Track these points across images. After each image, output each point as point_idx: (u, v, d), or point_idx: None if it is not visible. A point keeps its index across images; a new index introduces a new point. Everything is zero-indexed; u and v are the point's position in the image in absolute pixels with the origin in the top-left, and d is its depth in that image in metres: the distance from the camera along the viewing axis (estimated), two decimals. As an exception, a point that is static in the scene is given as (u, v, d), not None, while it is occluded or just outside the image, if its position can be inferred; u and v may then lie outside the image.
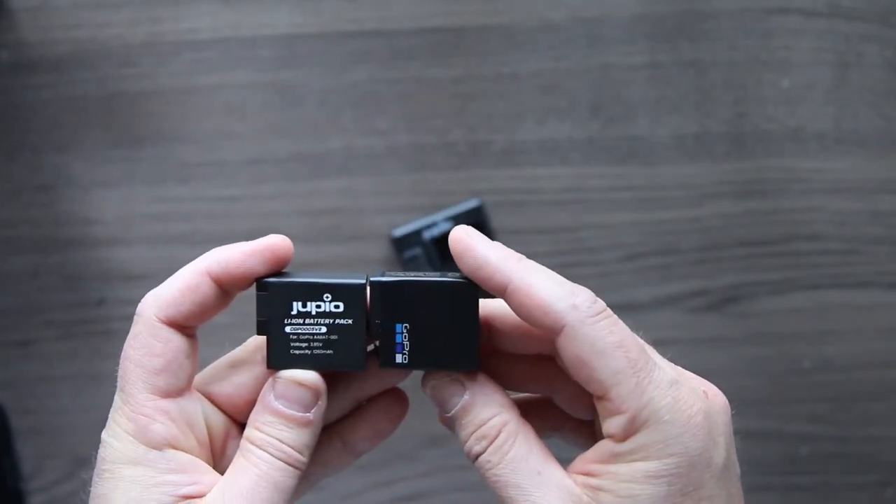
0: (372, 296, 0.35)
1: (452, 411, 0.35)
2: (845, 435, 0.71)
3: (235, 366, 0.37)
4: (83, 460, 0.70)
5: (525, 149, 0.70)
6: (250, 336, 0.69)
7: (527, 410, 0.37)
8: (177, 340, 0.35)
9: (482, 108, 0.70)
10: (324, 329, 0.35)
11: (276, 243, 0.36)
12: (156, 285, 0.72)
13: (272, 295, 0.36)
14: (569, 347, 0.33)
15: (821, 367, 0.71)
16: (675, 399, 0.33)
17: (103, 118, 0.70)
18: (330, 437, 0.38)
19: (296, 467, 0.34)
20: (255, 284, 0.36)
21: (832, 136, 0.70)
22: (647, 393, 0.33)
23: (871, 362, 0.71)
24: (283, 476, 0.34)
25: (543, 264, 0.76)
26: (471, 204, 0.69)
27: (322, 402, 0.35)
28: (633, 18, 0.70)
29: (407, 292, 0.35)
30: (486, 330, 0.37)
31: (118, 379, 0.35)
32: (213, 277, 0.36)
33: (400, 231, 0.68)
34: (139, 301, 0.72)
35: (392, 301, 0.35)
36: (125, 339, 0.72)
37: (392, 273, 0.36)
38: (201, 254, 0.73)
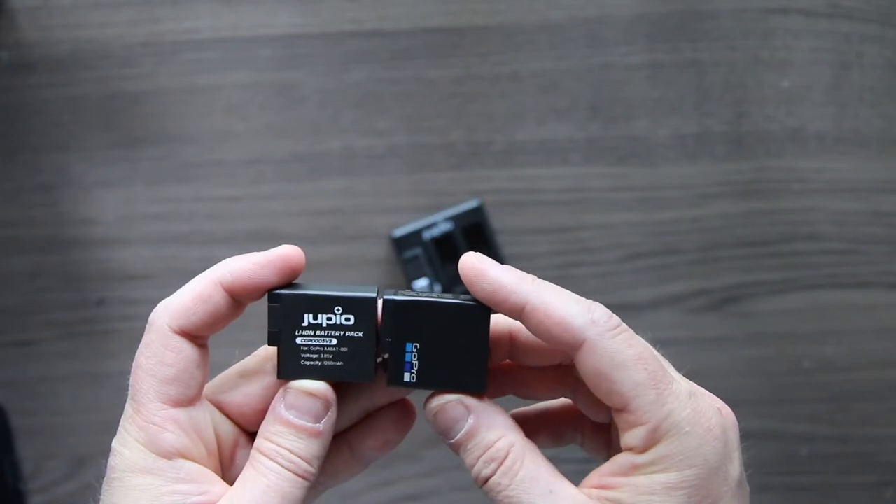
0: (384, 313, 0.36)
1: (457, 436, 0.35)
2: (845, 435, 0.71)
3: (245, 375, 0.37)
4: (83, 460, 0.70)
5: (525, 149, 0.70)
6: (251, 336, 0.69)
7: (545, 419, 0.38)
8: (188, 350, 0.35)
9: (482, 109, 0.70)
10: (334, 341, 0.36)
11: (288, 254, 0.36)
12: (156, 285, 0.72)
13: (284, 307, 0.36)
14: (589, 361, 0.33)
15: (821, 367, 0.71)
16: (694, 411, 0.33)
17: (103, 118, 0.70)
18: (338, 446, 0.38)
19: (305, 478, 0.34)
20: (266, 295, 0.36)
21: (832, 136, 0.70)
22: (668, 404, 0.33)
23: (871, 362, 0.71)
24: (293, 487, 0.34)
25: (543, 264, 0.77)
26: (471, 204, 0.69)
27: (332, 414, 0.35)
28: (633, 18, 0.70)
29: (419, 312, 0.35)
30: (505, 346, 0.37)
31: (129, 387, 0.35)
32: (225, 288, 0.36)
33: (400, 231, 0.68)
34: (139, 301, 0.72)
35: (404, 320, 0.35)
36: (125, 338, 0.73)
37: (404, 292, 0.36)
38: (201, 254, 0.74)
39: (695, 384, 0.35)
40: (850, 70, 0.70)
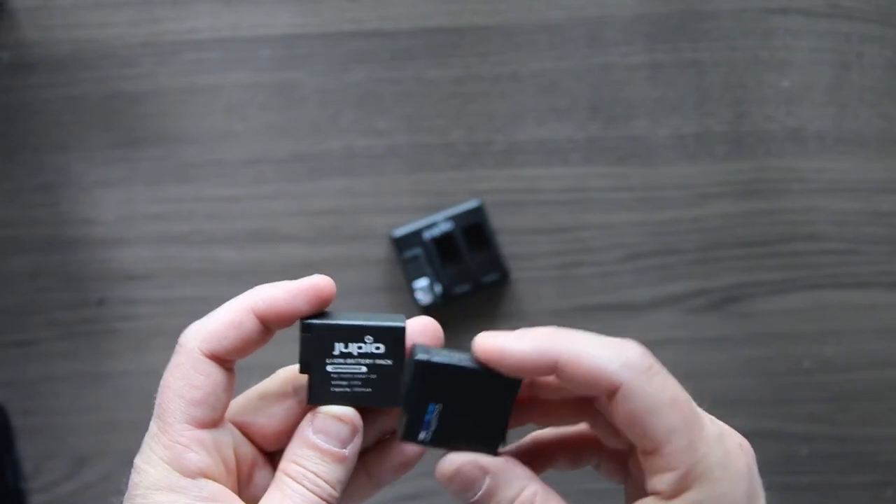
0: (414, 371, 0.36)
1: (477, 497, 0.35)
2: (845, 435, 0.71)
3: (266, 398, 0.38)
4: (84, 460, 0.70)
5: (525, 149, 0.70)
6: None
7: (563, 443, 0.38)
8: (217, 374, 0.36)
9: (482, 109, 0.70)
10: (364, 368, 0.36)
11: (320, 284, 0.37)
12: (156, 285, 0.72)
13: (316, 336, 0.36)
14: (624, 406, 0.33)
15: (821, 367, 0.71)
16: (725, 454, 0.33)
17: (104, 118, 0.70)
18: (356, 468, 0.38)
19: (328, 502, 0.35)
20: (298, 324, 0.37)
21: (832, 136, 0.70)
22: (700, 449, 0.33)
23: (871, 362, 0.71)
24: None
25: (543, 264, 0.77)
26: (471, 204, 0.69)
27: (358, 440, 0.36)
28: (633, 18, 0.70)
29: (449, 375, 0.36)
30: (526, 393, 0.37)
31: (156, 406, 0.36)
32: (257, 315, 0.36)
33: (400, 231, 0.68)
34: (140, 301, 0.72)
35: (432, 380, 0.36)
36: (125, 338, 0.73)
37: (435, 350, 0.36)
38: (201, 254, 0.74)
39: (718, 421, 0.35)
40: (850, 70, 0.70)
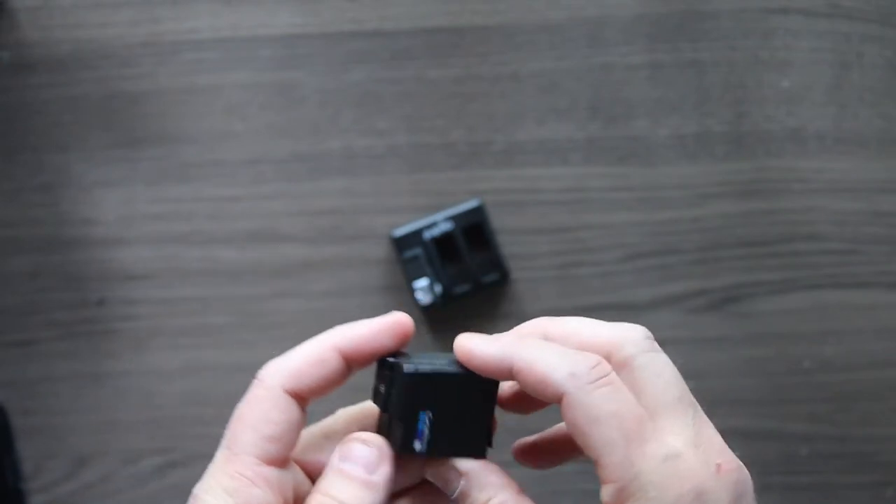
0: (403, 383, 0.36)
1: (454, 496, 0.36)
2: (845, 435, 0.71)
3: (329, 437, 0.38)
4: (84, 460, 0.70)
5: (525, 149, 0.70)
6: (249, 336, 0.69)
7: (547, 442, 0.39)
8: (295, 412, 0.36)
9: (482, 109, 0.70)
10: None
11: (403, 321, 0.38)
12: (156, 285, 0.72)
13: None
14: (567, 414, 0.34)
15: (821, 367, 0.71)
16: (665, 476, 0.33)
17: (104, 118, 0.70)
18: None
19: None
20: (378, 363, 0.37)
21: (832, 136, 0.70)
22: (636, 465, 0.33)
23: (872, 362, 0.71)
24: None
25: (543, 264, 0.77)
26: (471, 204, 0.69)
27: (386, 466, 0.36)
28: (633, 18, 0.70)
29: (436, 382, 0.36)
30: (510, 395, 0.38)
31: (225, 436, 0.36)
32: (341, 353, 0.37)
33: (400, 231, 0.68)
34: (140, 301, 0.72)
35: (421, 389, 0.36)
36: (125, 339, 0.73)
37: (418, 358, 0.37)
38: (202, 254, 0.74)
39: (709, 433, 0.35)
40: (851, 70, 0.70)
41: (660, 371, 0.35)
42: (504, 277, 0.69)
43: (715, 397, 0.70)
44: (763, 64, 0.70)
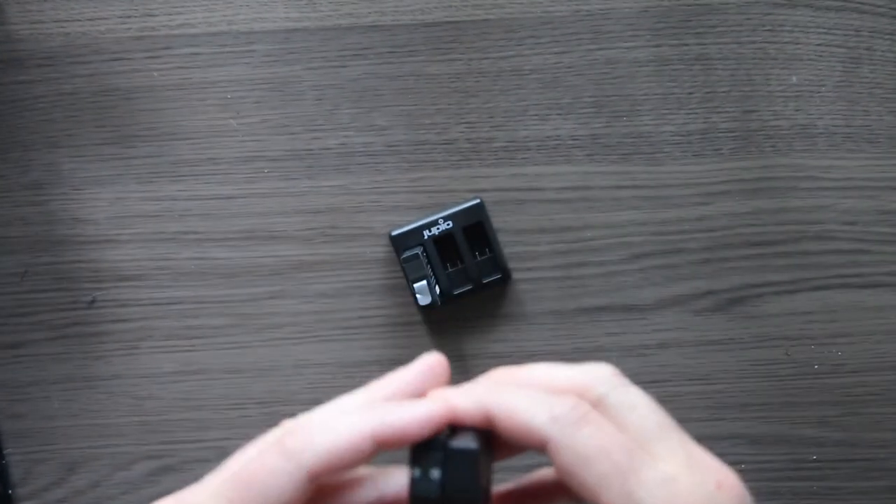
0: (472, 462, 0.35)
1: None
2: (855, 439, 0.70)
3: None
4: (74, 465, 0.69)
5: (527, 146, 0.69)
6: (244, 338, 0.68)
7: (539, 487, 0.38)
8: (307, 492, 0.35)
9: (483, 105, 0.69)
10: None
11: (453, 407, 0.36)
12: (149, 286, 0.71)
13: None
14: (556, 459, 0.34)
15: (830, 369, 0.70)
16: (665, 500, 0.33)
17: (95, 114, 0.69)
18: None
19: None
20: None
21: (842, 133, 0.69)
22: (635, 495, 0.33)
23: (882, 365, 0.70)
24: None
25: (546, 264, 0.76)
26: (471, 203, 0.68)
27: None
28: (637, 12, 0.69)
29: (440, 450, 0.36)
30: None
31: (219, 472, 0.35)
32: (377, 441, 0.35)
33: (399, 230, 0.68)
34: (132, 302, 0.71)
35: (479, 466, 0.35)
36: (117, 340, 0.71)
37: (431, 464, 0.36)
38: (195, 254, 0.73)
39: (699, 454, 0.35)
40: (860, 65, 0.69)
41: (635, 403, 0.35)
42: (505, 278, 0.68)
43: (721, 401, 0.69)
44: (771, 59, 0.69)
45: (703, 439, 0.36)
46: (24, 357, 0.69)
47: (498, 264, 0.68)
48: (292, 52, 0.69)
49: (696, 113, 0.69)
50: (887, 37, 0.69)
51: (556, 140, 0.69)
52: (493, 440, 0.36)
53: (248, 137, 0.69)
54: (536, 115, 0.69)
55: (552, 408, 0.34)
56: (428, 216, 0.68)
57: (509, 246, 0.69)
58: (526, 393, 0.35)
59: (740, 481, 0.34)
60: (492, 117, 0.69)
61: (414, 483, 0.36)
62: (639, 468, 0.33)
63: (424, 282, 0.65)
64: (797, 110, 0.69)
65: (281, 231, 0.69)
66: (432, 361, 0.37)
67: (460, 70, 0.69)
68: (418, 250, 0.66)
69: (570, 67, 0.69)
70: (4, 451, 0.69)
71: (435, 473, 0.35)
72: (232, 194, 0.69)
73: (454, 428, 0.36)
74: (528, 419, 0.34)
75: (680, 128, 0.69)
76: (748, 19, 0.69)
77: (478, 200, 0.68)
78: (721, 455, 0.36)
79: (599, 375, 0.36)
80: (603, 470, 0.33)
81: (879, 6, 0.69)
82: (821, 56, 0.69)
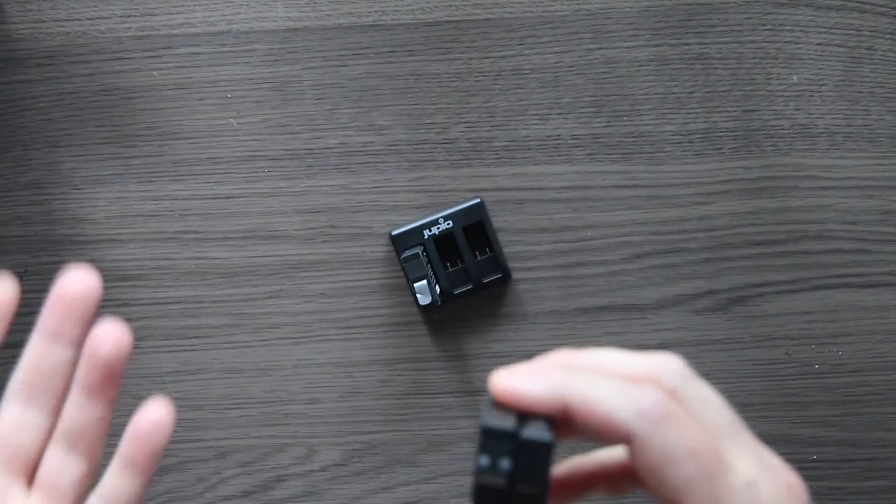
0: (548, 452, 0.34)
1: None
2: (855, 439, 0.70)
3: None
4: (74, 465, 0.69)
5: (527, 145, 0.69)
6: (244, 337, 0.67)
7: (603, 471, 0.37)
8: None
9: (483, 104, 0.69)
10: None
11: None
12: (149, 286, 0.71)
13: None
14: (640, 456, 0.32)
15: (831, 369, 0.70)
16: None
17: (95, 114, 0.69)
18: None
19: None
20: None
21: (842, 132, 0.69)
22: (722, 499, 0.32)
23: (882, 364, 0.70)
24: None
25: (546, 264, 0.76)
26: (471, 202, 0.68)
27: None
28: (638, 11, 0.69)
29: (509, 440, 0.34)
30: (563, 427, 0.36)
31: None
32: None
33: (399, 230, 0.67)
34: (132, 301, 0.71)
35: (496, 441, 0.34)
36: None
37: (490, 417, 0.35)
38: (195, 254, 0.73)
39: (766, 455, 0.34)
40: (861, 64, 0.69)
41: (706, 397, 0.34)
42: (505, 277, 0.68)
43: (722, 400, 0.69)
44: (771, 58, 0.69)
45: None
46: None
47: (498, 264, 0.68)
48: (292, 52, 0.69)
49: (697, 112, 0.69)
50: (888, 36, 0.69)
51: (557, 139, 0.69)
52: (555, 428, 0.35)
53: (248, 137, 0.69)
54: (537, 114, 0.69)
55: (638, 401, 0.32)
56: (428, 216, 0.68)
57: (509, 246, 0.69)
58: (606, 382, 0.33)
59: (801, 482, 0.34)
60: (492, 117, 0.69)
61: (480, 471, 0.34)
62: (724, 474, 0.32)
63: (424, 281, 0.65)
64: (798, 110, 0.69)
65: (281, 231, 0.69)
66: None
67: (460, 69, 0.69)
68: (418, 250, 0.66)
69: (570, 67, 0.69)
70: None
71: (504, 464, 0.34)
72: (232, 194, 0.69)
73: (522, 414, 0.34)
74: (611, 412, 0.32)
75: (680, 127, 0.69)
76: (749, 19, 0.69)
77: (478, 200, 0.68)
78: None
79: (670, 366, 0.34)
80: (690, 473, 0.32)
81: (880, 5, 0.69)
82: (821, 55, 0.69)
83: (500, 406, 0.35)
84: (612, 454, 0.38)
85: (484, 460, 0.34)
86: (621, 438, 0.32)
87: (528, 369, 0.35)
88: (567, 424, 0.35)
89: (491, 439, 0.34)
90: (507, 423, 0.34)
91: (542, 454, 0.33)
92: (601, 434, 0.33)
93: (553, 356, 0.36)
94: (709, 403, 0.34)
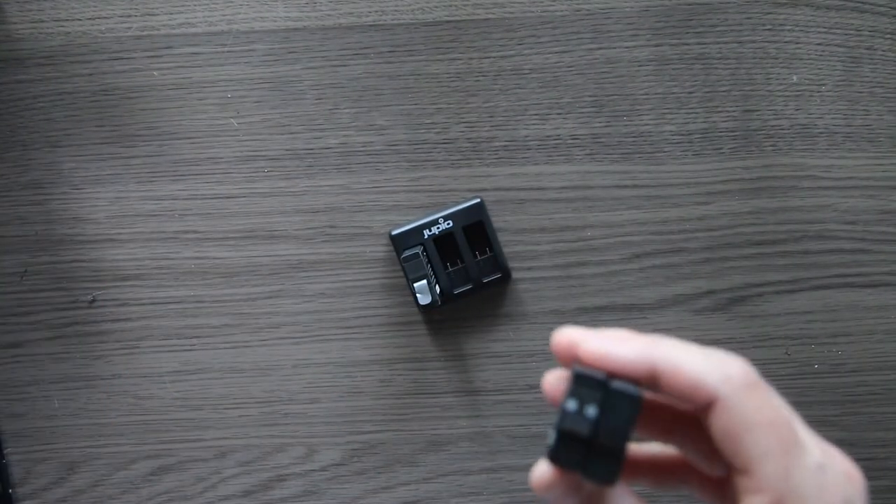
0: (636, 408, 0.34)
1: None
2: (854, 439, 0.70)
3: None
4: (74, 465, 0.69)
5: (527, 145, 0.69)
6: (244, 337, 0.67)
7: (650, 463, 0.37)
8: None
9: (483, 104, 0.69)
10: None
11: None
12: (149, 285, 0.71)
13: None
14: (720, 420, 0.33)
15: (830, 369, 0.70)
16: (820, 487, 0.33)
17: (95, 114, 0.69)
18: None
19: None
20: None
21: (842, 132, 0.69)
22: (794, 477, 0.32)
23: (882, 364, 0.70)
24: None
25: (546, 264, 0.76)
26: (471, 202, 0.68)
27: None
28: (637, 11, 0.69)
29: (596, 388, 0.34)
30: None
31: None
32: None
33: (399, 230, 0.67)
34: (132, 301, 0.71)
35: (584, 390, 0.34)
36: (117, 340, 0.71)
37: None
38: (195, 254, 0.73)
39: (826, 445, 0.35)
40: (861, 64, 0.69)
41: (770, 390, 0.35)
42: (505, 277, 0.68)
43: (722, 400, 0.69)
44: (771, 58, 0.69)
45: (704, 439, 0.36)
46: (24, 357, 0.69)
47: (498, 264, 0.68)
48: (292, 52, 0.69)
49: (697, 112, 0.69)
50: (888, 36, 0.69)
51: (557, 139, 0.69)
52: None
53: (247, 137, 0.69)
54: (537, 114, 0.69)
55: (725, 367, 0.33)
56: (428, 216, 0.68)
57: (509, 245, 0.69)
58: (694, 348, 0.34)
59: (860, 473, 0.35)
60: (492, 117, 0.69)
61: (565, 415, 0.34)
62: (800, 451, 0.33)
63: (424, 281, 0.65)
64: (798, 110, 0.69)
65: (280, 230, 0.69)
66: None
67: (460, 69, 0.69)
68: (418, 250, 0.66)
69: (570, 67, 0.69)
70: (4, 451, 0.69)
71: (591, 411, 0.33)
72: (232, 194, 0.69)
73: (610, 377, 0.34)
74: (700, 374, 0.33)
75: (680, 127, 0.69)
76: (748, 18, 0.69)
77: (478, 200, 0.68)
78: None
79: (739, 361, 0.35)
80: (767, 444, 0.32)
81: (880, 5, 0.69)
82: (821, 55, 0.69)
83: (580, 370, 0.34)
84: (664, 448, 0.38)
85: (571, 404, 0.33)
86: (705, 401, 0.33)
87: (612, 335, 0.35)
88: (650, 389, 0.35)
89: (581, 385, 0.34)
90: (597, 374, 0.34)
91: (630, 407, 0.33)
92: (687, 396, 0.33)
93: (612, 330, 0.37)
94: (774, 394, 0.35)
